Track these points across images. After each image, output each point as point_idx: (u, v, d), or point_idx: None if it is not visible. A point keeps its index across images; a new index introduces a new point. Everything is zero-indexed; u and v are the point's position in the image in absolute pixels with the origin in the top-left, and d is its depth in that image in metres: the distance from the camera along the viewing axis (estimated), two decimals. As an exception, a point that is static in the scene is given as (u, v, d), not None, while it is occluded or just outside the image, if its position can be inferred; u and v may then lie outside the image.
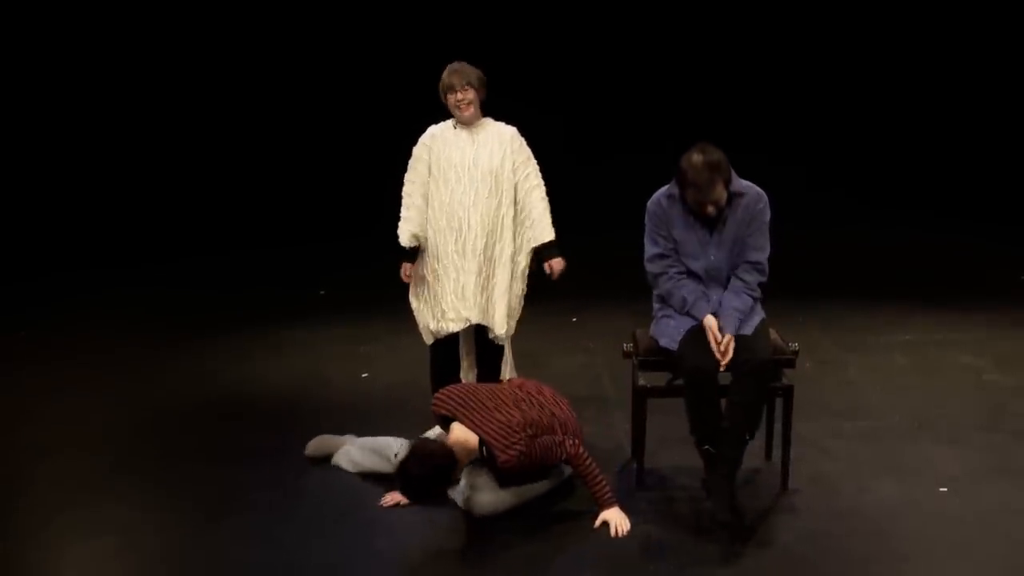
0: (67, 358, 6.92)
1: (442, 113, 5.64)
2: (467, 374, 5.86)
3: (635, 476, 5.11)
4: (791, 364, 4.99)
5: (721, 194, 4.73)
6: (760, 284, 4.88)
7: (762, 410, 4.88)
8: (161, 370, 6.67)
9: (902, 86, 10.87)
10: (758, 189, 4.88)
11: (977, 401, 6.07)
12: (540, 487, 4.91)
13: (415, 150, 5.67)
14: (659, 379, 5.04)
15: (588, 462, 4.74)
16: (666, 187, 4.90)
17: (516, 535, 4.68)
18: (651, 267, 4.94)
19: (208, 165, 10.52)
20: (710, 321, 4.71)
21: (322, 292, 8.33)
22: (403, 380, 6.34)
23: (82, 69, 10.27)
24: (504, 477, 4.79)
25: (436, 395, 4.94)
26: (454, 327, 5.61)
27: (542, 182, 5.69)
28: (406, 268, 5.65)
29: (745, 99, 10.80)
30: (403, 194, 5.69)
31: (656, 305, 5.00)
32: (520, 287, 5.71)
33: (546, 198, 5.68)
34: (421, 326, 5.75)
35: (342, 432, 5.45)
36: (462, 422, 4.75)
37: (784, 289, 4.91)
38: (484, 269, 5.58)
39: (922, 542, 4.59)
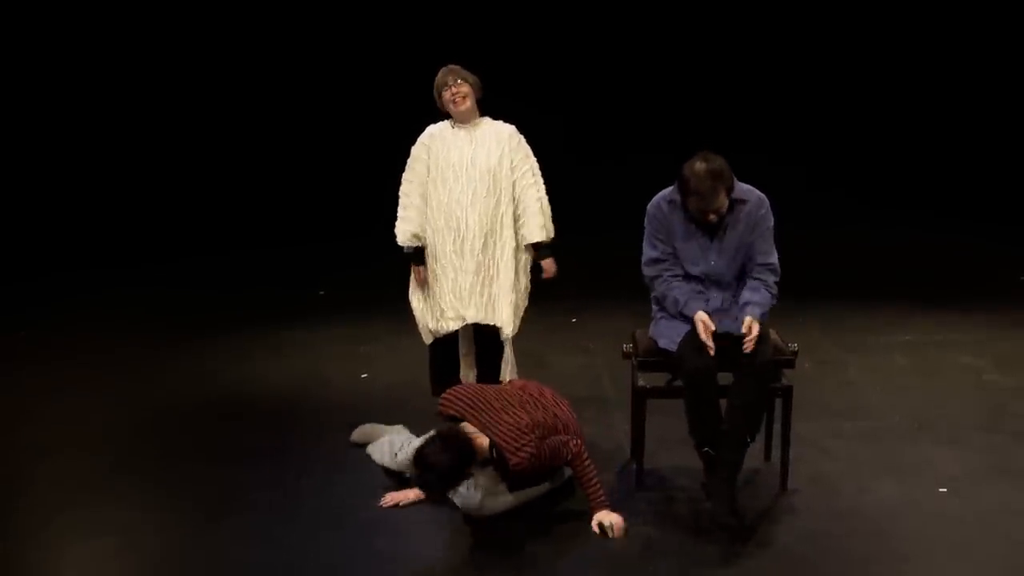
0: (67, 358, 6.92)
1: (441, 114, 5.65)
2: (467, 374, 5.87)
3: (635, 477, 5.11)
4: (791, 364, 4.99)
5: (723, 202, 4.73)
6: (776, 283, 4.88)
7: (763, 412, 4.88)
8: (161, 370, 6.67)
9: (902, 86, 10.87)
10: (759, 194, 4.88)
11: (977, 401, 6.08)
12: (542, 488, 4.91)
13: (413, 150, 5.68)
14: (659, 380, 5.05)
15: (588, 463, 4.74)
16: (667, 190, 4.89)
17: (517, 536, 4.68)
18: (647, 271, 4.94)
19: (208, 165, 10.52)
20: (701, 316, 4.71)
21: (322, 292, 8.33)
22: (403, 380, 6.34)
23: (83, 69, 10.27)
24: (513, 479, 4.78)
25: (443, 395, 4.92)
26: (453, 326, 5.63)
27: (539, 180, 5.69)
28: (419, 271, 5.66)
29: (745, 99, 10.80)
30: (401, 194, 5.70)
31: (655, 306, 5.00)
32: (525, 282, 5.73)
33: (543, 197, 5.69)
34: (420, 326, 5.77)
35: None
36: (471, 423, 4.74)
37: (784, 289, 4.91)
38: (485, 268, 5.58)
39: (922, 542, 4.60)
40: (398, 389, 6.25)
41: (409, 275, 5.78)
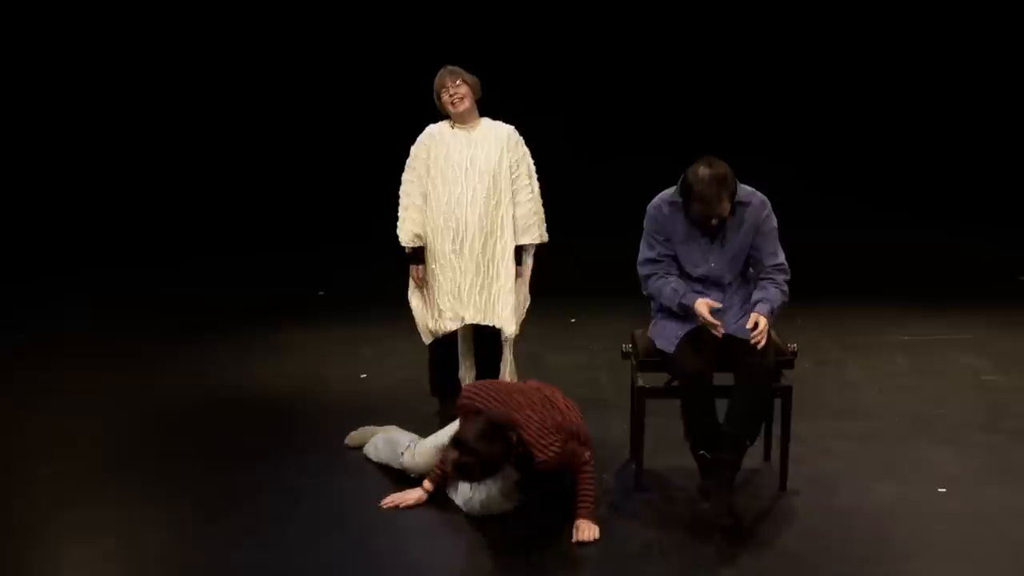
0: (67, 358, 6.92)
1: (440, 116, 5.65)
2: (466, 374, 5.87)
3: (634, 477, 5.11)
4: (790, 365, 4.99)
5: (726, 207, 4.74)
6: (786, 281, 4.88)
7: (763, 417, 4.89)
8: (161, 370, 6.67)
9: (902, 87, 10.87)
10: (761, 196, 4.88)
11: (977, 401, 6.08)
12: (547, 486, 4.90)
13: (413, 149, 5.68)
14: (658, 380, 5.05)
15: (593, 475, 4.73)
16: (668, 191, 4.89)
17: (516, 537, 4.67)
18: (642, 269, 4.95)
19: (208, 167, 10.51)
20: (701, 306, 4.71)
21: (321, 293, 8.33)
22: (402, 380, 6.35)
23: (85, 70, 10.27)
24: (529, 478, 4.78)
25: (465, 388, 4.88)
26: (450, 326, 5.63)
27: (533, 183, 5.69)
28: (418, 271, 5.66)
29: (745, 100, 10.80)
30: (401, 194, 5.70)
31: (654, 306, 5.00)
32: (527, 283, 5.73)
33: (534, 200, 5.67)
34: (420, 326, 5.77)
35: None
36: None
37: (783, 290, 4.93)
38: (485, 269, 5.58)
39: (921, 543, 4.60)
40: (397, 389, 6.25)
41: (409, 275, 5.78)
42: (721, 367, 4.77)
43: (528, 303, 5.81)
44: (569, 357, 6.82)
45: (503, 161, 5.59)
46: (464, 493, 4.81)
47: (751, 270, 4.93)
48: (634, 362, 5.14)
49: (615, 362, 5.62)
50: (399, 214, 5.69)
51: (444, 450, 4.66)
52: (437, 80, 5.58)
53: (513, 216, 5.64)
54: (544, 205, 5.76)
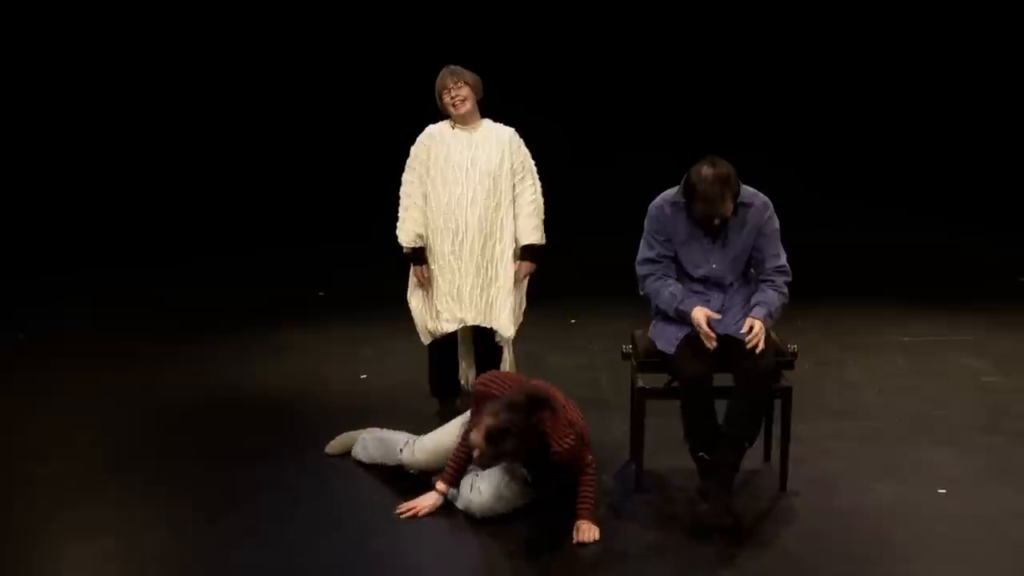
0: (67, 358, 6.92)
1: (441, 115, 5.65)
2: (466, 375, 5.87)
3: (634, 477, 5.11)
4: (790, 366, 4.99)
5: (729, 208, 4.74)
6: (787, 283, 4.89)
7: (762, 419, 4.89)
8: (161, 370, 6.67)
9: (901, 87, 10.87)
10: (764, 198, 4.88)
11: (976, 402, 6.08)
12: (548, 487, 4.90)
13: (413, 149, 5.68)
14: (658, 381, 5.05)
15: (594, 476, 4.74)
16: (670, 192, 4.89)
17: (515, 537, 4.68)
18: (640, 269, 4.95)
19: (208, 167, 10.51)
20: (699, 315, 4.71)
21: (321, 293, 8.33)
22: (402, 381, 6.34)
23: (85, 71, 10.27)
24: (538, 473, 4.77)
25: (481, 377, 4.86)
26: (448, 327, 5.63)
27: (536, 184, 5.69)
28: (421, 271, 5.66)
29: (745, 100, 10.80)
30: (401, 194, 5.69)
31: (654, 308, 5.00)
32: (524, 285, 5.73)
33: (536, 201, 5.67)
34: (419, 326, 5.77)
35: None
36: None
37: (783, 290, 4.93)
38: (484, 270, 5.58)
39: (921, 543, 4.60)
40: (397, 390, 6.25)
41: (408, 276, 5.78)
42: (721, 368, 4.77)
43: (524, 305, 5.79)
44: (569, 358, 6.82)
45: (504, 163, 5.59)
46: (465, 496, 4.81)
47: (752, 271, 4.93)
48: (634, 363, 5.14)
49: (615, 363, 5.62)
50: (399, 214, 5.68)
51: (473, 429, 4.56)
52: (439, 80, 5.57)
53: (514, 216, 5.63)
54: (544, 205, 5.76)
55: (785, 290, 4.87)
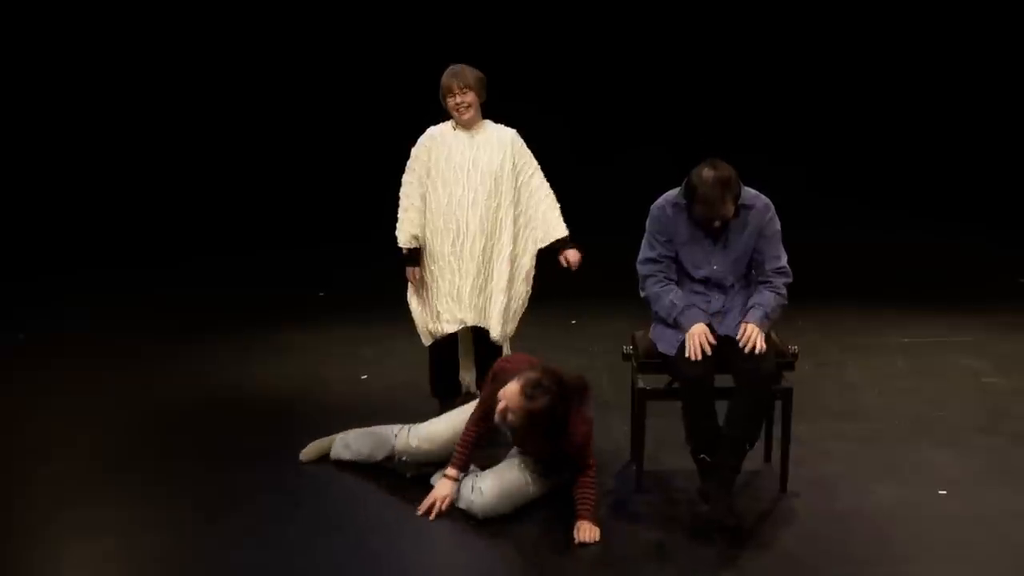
0: (67, 358, 6.92)
1: (442, 115, 5.64)
2: (466, 375, 5.87)
3: (634, 478, 5.11)
4: (791, 367, 4.99)
5: (729, 210, 4.75)
6: (786, 284, 4.90)
7: (763, 421, 4.89)
8: (161, 370, 6.67)
9: (902, 87, 10.87)
10: (765, 200, 4.88)
11: (976, 403, 6.08)
12: (548, 485, 4.91)
13: (414, 150, 5.67)
14: (658, 382, 5.05)
15: (594, 477, 4.75)
16: (673, 192, 4.89)
17: (515, 538, 4.68)
18: (642, 269, 4.96)
19: (208, 167, 10.51)
20: (699, 331, 4.71)
21: (321, 294, 8.33)
22: (402, 382, 6.34)
23: (86, 71, 10.27)
24: (550, 462, 4.79)
25: (502, 360, 4.91)
26: (449, 328, 5.63)
27: (546, 182, 5.70)
28: (414, 272, 5.66)
29: (745, 100, 10.80)
30: (401, 195, 5.69)
31: (654, 311, 5.00)
32: (523, 289, 5.71)
33: (552, 196, 5.69)
34: (420, 328, 5.76)
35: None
36: None
37: (785, 291, 4.93)
38: (483, 270, 5.58)
39: (922, 544, 4.60)
40: (397, 390, 6.25)
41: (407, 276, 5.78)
42: (721, 370, 4.78)
43: (525, 305, 5.78)
44: (569, 358, 6.81)
45: (506, 163, 5.59)
46: (467, 496, 4.80)
47: (753, 273, 4.93)
48: (635, 364, 5.15)
49: (616, 364, 5.63)
50: (398, 215, 5.69)
51: (504, 396, 4.60)
52: (445, 81, 5.53)
53: (513, 219, 5.61)
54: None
55: (783, 292, 4.88)
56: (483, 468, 4.96)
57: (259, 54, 10.52)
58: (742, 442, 4.73)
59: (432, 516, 4.79)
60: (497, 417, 4.67)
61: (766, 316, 4.77)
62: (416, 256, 5.66)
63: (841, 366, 6.67)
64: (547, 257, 5.75)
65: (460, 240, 5.56)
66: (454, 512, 4.83)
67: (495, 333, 5.61)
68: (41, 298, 8.26)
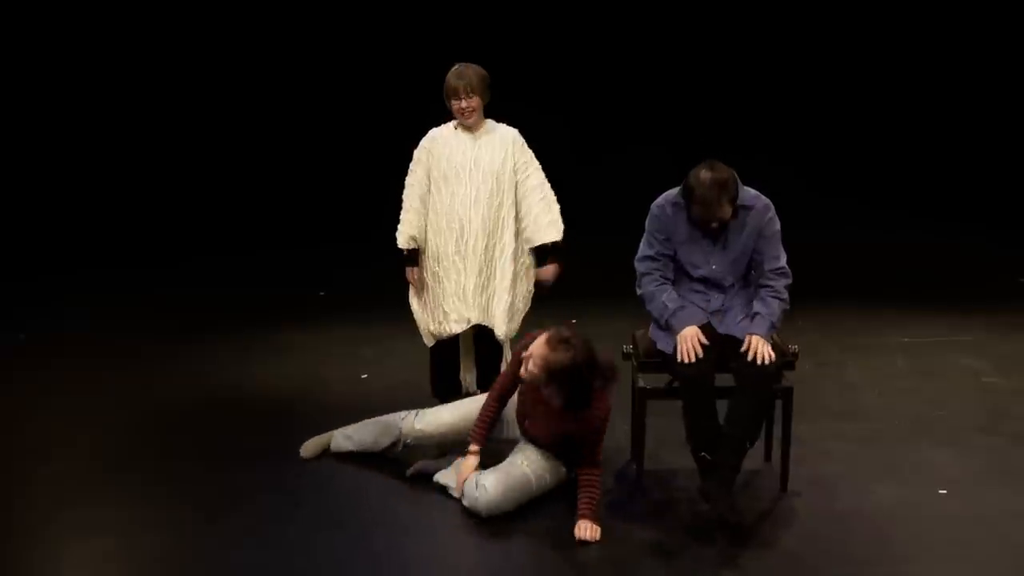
0: (67, 358, 6.91)
1: (444, 115, 5.64)
2: (466, 375, 5.87)
3: (635, 478, 5.11)
4: (791, 366, 5.00)
5: (726, 211, 4.75)
6: (787, 287, 4.90)
7: (763, 420, 4.90)
8: (161, 370, 6.67)
9: (901, 87, 10.86)
10: (765, 200, 4.89)
11: (977, 403, 6.08)
12: (548, 481, 4.91)
13: (415, 153, 5.68)
14: (658, 381, 5.06)
15: (597, 476, 4.76)
16: (673, 192, 4.90)
17: (516, 537, 4.68)
18: (639, 266, 4.97)
19: (208, 167, 10.50)
20: (691, 333, 4.71)
21: (322, 293, 8.33)
22: (403, 381, 6.34)
23: (86, 72, 10.26)
24: (558, 451, 4.83)
25: (528, 334, 4.94)
26: (456, 328, 5.62)
27: (545, 183, 5.69)
28: (412, 272, 5.67)
29: (745, 100, 10.79)
30: (404, 196, 5.71)
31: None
32: (525, 287, 5.71)
33: (547, 199, 5.67)
34: (421, 328, 5.76)
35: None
36: None
37: (785, 291, 4.93)
38: (485, 269, 5.58)
39: (922, 544, 4.60)
40: (398, 390, 6.24)
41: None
42: (721, 368, 4.78)
43: (528, 304, 5.79)
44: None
45: (507, 162, 5.59)
46: (471, 494, 4.81)
47: (753, 273, 4.93)
48: (635, 363, 5.15)
49: (616, 363, 5.61)
50: (400, 217, 5.70)
51: (531, 349, 4.69)
52: (449, 83, 5.50)
53: (521, 216, 5.61)
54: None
55: (785, 295, 4.88)
56: (485, 467, 4.96)
57: (259, 54, 10.51)
58: (742, 441, 4.73)
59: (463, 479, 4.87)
60: (522, 372, 4.75)
61: (772, 326, 4.79)
62: (414, 257, 5.67)
63: (841, 366, 6.67)
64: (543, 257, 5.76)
65: (464, 239, 5.56)
66: (454, 511, 4.83)
67: (500, 332, 5.62)
68: (41, 298, 8.26)
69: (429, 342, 5.75)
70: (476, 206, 5.54)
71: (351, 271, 8.82)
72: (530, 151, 5.67)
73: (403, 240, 5.67)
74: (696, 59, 10.75)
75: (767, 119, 10.71)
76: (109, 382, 6.46)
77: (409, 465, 5.17)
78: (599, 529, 4.64)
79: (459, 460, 4.99)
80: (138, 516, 4.85)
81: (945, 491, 5.04)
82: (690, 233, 4.87)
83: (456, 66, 5.56)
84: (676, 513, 4.86)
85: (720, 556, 4.50)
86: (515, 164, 5.60)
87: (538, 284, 5.74)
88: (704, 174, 4.70)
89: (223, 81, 10.53)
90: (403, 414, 5.26)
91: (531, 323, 5.89)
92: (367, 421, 5.36)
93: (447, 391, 5.79)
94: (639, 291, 4.98)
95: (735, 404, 4.75)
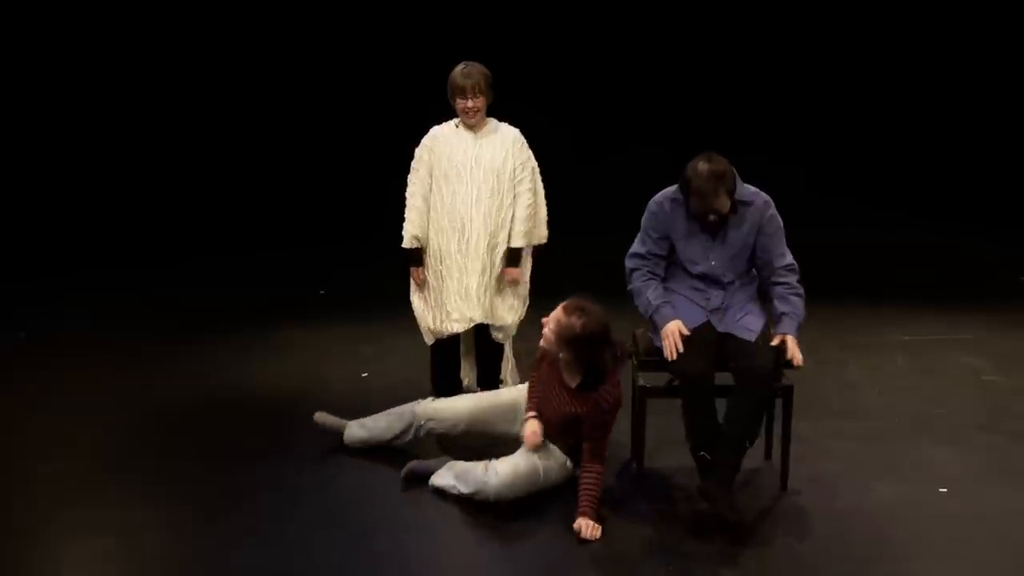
0: (67, 358, 6.91)
1: (444, 115, 5.64)
2: (467, 374, 5.87)
3: (635, 476, 5.11)
4: (791, 365, 4.99)
5: (724, 203, 4.75)
6: (799, 281, 4.93)
7: (762, 419, 4.90)
8: (161, 370, 6.67)
9: (901, 87, 10.86)
10: (765, 197, 4.89)
11: (977, 402, 6.08)
12: (554, 476, 4.91)
13: (416, 151, 5.69)
14: (659, 379, 5.06)
15: (597, 475, 4.76)
16: (671, 189, 4.91)
17: (517, 535, 4.68)
18: (628, 263, 5.00)
19: (208, 167, 10.50)
20: (673, 329, 4.72)
21: (322, 292, 8.32)
22: (403, 379, 6.33)
23: (86, 72, 10.26)
24: (571, 432, 4.85)
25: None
26: (458, 327, 5.62)
27: (536, 187, 5.68)
28: (418, 272, 5.66)
29: (745, 100, 10.79)
30: (406, 196, 5.71)
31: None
32: (526, 286, 5.73)
33: (532, 205, 5.64)
34: (422, 327, 5.76)
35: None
36: None
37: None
38: (487, 268, 5.58)
39: (922, 542, 4.60)
40: (398, 388, 6.23)
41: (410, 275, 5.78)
42: (721, 367, 4.78)
43: (527, 302, 5.79)
44: (569, 357, 6.80)
45: (508, 161, 5.59)
46: (480, 478, 4.81)
47: (761, 272, 4.94)
48: (635, 361, 5.15)
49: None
50: (404, 216, 5.70)
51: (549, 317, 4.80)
52: (455, 81, 5.49)
53: (513, 217, 5.62)
54: (545, 204, 5.76)
55: (801, 290, 4.92)
56: (499, 456, 4.98)
57: (259, 54, 10.51)
58: (742, 440, 4.73)
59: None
60: (543, 339, 4.82)
61: (799, 326, 4.81)
62: (417, 256, 5.67)
63: (841, 364, 6.66)
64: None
65: (466, 238, 5.56)
66: (454, 511, 4.83)
67: (500, 332, 5.62)
68: (41, 298, 8.25)
69: (429, 340, 5.75)
70: (477, 205, 5.54)
71: (351, 271, 8.81)
72: (529, 152, 5.67)
73: (408, 240, 5.67)
74: (696, 59, 10.75)
75: (767, 119, 10.71)
76: (109, 382, 6.46)
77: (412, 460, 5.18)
78: (599, 527, 4.64)
79: (454, 462, 4.99)
80: (138, 516, 4.85)
81: (945, 489, 5.05)
82: (688, 229, 4.87)
83: (461, 65, 5.55)
84: (676, 512, 4.86)
85: (720, 555, 4.50)
86: (514, 164, 5.60)
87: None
88: (701, 165, 4.71)
89: (223, 81, 10.53)
90: (413, 401, 5.31)
91: (532, 322, 5.89)
92: (382, 412, 5.36)
93: (447, 389, 5.79)
94: (628, 287, 5.00)
95: (734, 403, 4.75)
